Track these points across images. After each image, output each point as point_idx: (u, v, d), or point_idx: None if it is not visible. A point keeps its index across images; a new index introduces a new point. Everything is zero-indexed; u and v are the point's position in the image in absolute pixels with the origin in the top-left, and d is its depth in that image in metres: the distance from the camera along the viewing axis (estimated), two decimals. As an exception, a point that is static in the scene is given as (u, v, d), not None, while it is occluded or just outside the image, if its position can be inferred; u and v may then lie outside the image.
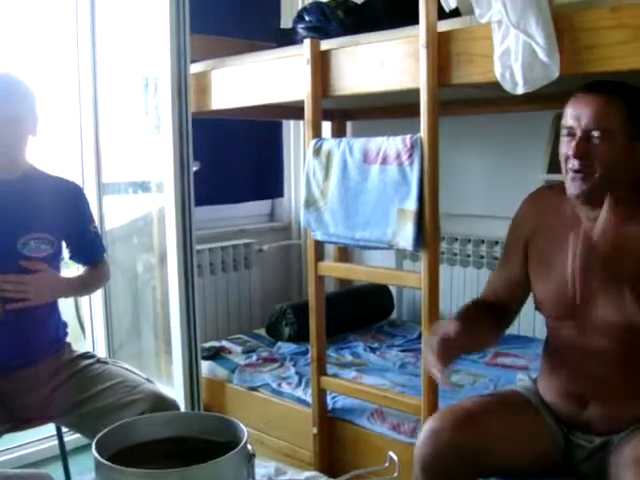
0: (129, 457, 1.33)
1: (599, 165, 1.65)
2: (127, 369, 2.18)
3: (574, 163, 1.68)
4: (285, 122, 4.06)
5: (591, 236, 1.78)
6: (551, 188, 2.01)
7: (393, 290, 3.74)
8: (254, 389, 2.98)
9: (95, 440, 1.29)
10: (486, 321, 1.91)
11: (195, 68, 2.90)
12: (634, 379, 1.76)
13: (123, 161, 3.23)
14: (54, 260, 2.13)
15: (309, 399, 2.70)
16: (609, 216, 1.74)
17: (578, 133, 1.65)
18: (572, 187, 1.71)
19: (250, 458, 1.28)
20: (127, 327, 3.29)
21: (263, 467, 1.58)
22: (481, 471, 1.86)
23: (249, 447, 1.28)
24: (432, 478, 1.79)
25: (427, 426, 1.83)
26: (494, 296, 2.01)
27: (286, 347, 3.31)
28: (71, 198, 2.21)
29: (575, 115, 1.67)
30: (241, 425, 1.34)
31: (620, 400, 1.77)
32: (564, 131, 1.73)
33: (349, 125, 3.79)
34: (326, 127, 3.65)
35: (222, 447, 1.29)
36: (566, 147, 1.71)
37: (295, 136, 4.06)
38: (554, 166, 1.84)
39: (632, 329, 1.72)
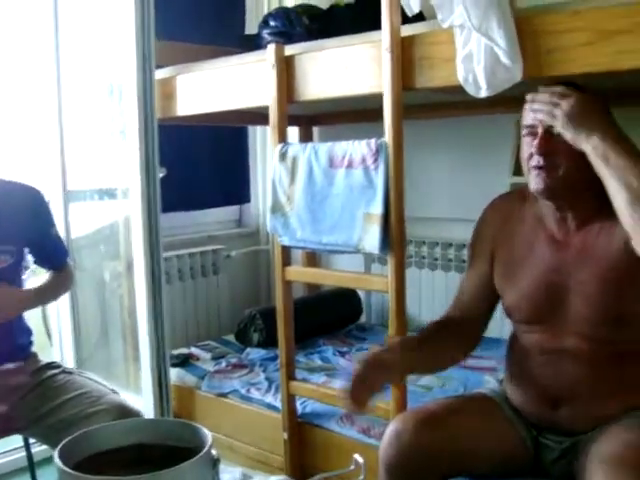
0: (93, 465, 1.31)
1: (562, 161, 1.65)
2: (92, 379, 2.16)
3: (538, 160, 1.67)
4: (251, 128, 4.05)
5: (557, 238, 1.79)
6: (510, 194, 2.02)
7: (361, 294, 3.75)
8: (223, 395, 2.96)
9: (57, 449, 1.28)
10: (440, 341, 1.92)
11: (160, 74, 2.88)
12: (604, 378, 1.76)
13: (89, 168, 3.20)
14: (15, 270, 2.10)
15: (279, 404, 2.69)
16: (573, 216, 1.75)
17: (540, 130, 1.66)
18: (536, 182, 1.70)
19: (215, 463, 1.27)
20: (95, 336, 3.26)
21: (229, 472, 1.58)
22: (448, 472, 1.86)
23: (213, 452, 1.28)
24: (396, 479, 1.79)
25: (391, 428, 1.83)
26: (459, 312, 1.98)
27: (255, 353, 3.30)
28: (31, 204, 2.17)
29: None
30: (205, 430, 1.33)
31: (590, 400, 1.77)
32: (525, 131, 1.73)
33: (316, 130, 3.80)
34: (293, 133, 3.66)
35: (187, 453, 1.28)
36: (528, 146, 1.71)
37: (262, 142, 4.05)
38: (520, 168, 1.86)
39: (601, 328, 1.73)
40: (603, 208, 1.56)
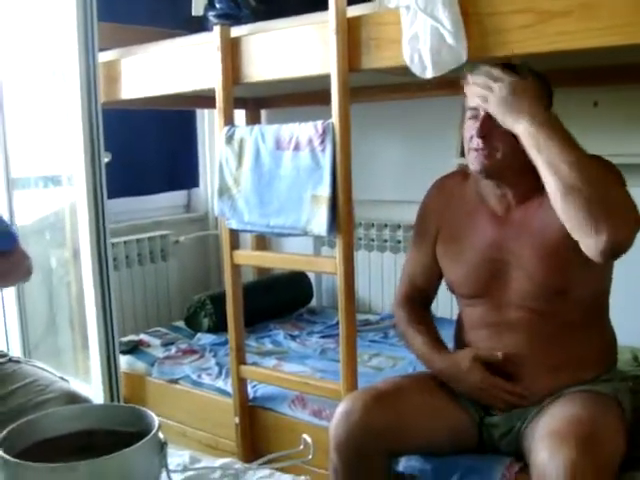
0: (38, 453, 1.29)
1: (501, 144, 1.69)
2: (41, 368, 2.12)
3: (478, 142, 1.72)
4: (199, 111, 4.01)
5: (497, 214, 1.83)
6: (452, 174, 2.07)
7: (312, 278, 3.75)
8: (174, 381, 2.94)
9: (0, 437, 1.26)
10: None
11: (104, 57, 2.83)
12: (548, 351, 1.81)
13: (33, 155, 3.14)
14: None
15: (230, 389, 2.68)
16: (513, 193, 1.79)
17: (482, 113, 1.69)
18: (474, 163, 1.75)
19: (162, 447, 1.26)
20: (43, 324, 3.21)
21: (177, 456, 1.56)
22: (397, 450, 1.89)
23: (160, 436, 1.26)
24: (346, 458, 1.80)
25: (340, 408, 1.85)
26: (418, 294, 2.09)
27: (206, 338, 3.28)
28: None
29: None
30: (152, 414, 1.32)
31: (537, 373, 1.81)
32: (468, 113, 1.77)
33: (263, 113, 3.77)
34: (241, 116, 3.63)
35: (134, 438, 1.26)
36: (470, 128, 1.75)
37: (210, 125, 4.01)
38: (465, 150, 1.92)
39: (543, 300, 1.77)
40: (542, 185, 1.58)
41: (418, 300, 2.09)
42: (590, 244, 1.51)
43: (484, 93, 1.66)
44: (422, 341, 1.99)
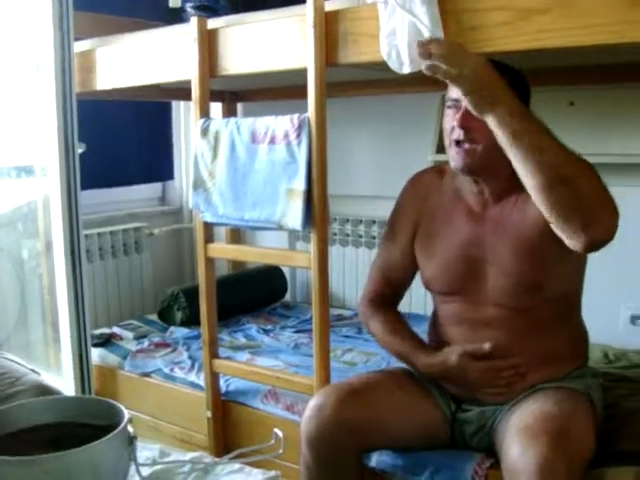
0: (7, 445, 1.28)
1: (482, 137, 1.68)
2: (11, 360, 2.10)
3: (459, 133, 1.70)
4: (175, 103, 3.98)
5: (474, 211, 1.83)
6: (429, 170, 2.07)
7: (287, 273, 3.74)
8: (147, 375, 2.92)
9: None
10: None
11: (80, 46, 2.80)
12: (524, 347, 1.81)
13: (5, 145, 3.10)
14: None
15: (202, 383, 2.67)
16: (490, 190, 1.79)
17: (463, 104, 1.67)
18: (456, 160, 1.74)
19: (131, 441, 1.25)
20: (14, 317, 3.18)
21: (148, 450, 1.55)
22: (369, 445, 1.89)
23: (130, 429, 1.25)
24: (317, 453, 1.80)
25: (311, 403, 1.85)
26: (389, 289, 2.08)
27: (179, 332, 3.26)
28: None
29: None
30: (122, 407, 1.30)
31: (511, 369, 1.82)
32: (449, 103, 1.75)
33: (240, 106, 3.75)
34: (217, 109, 3.61)
35: (104, 431, 1.25)
36: (451, 119, 1.74)
37: (185, 118, 3.98)
38: (442, 147, 1.90)
39: (518, 297, 1.77)
40: (519, 181, 1.56)
41: (389, 297, 2.09)
42: (574, 237, 1.50)
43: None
44: (401, 340, 1.98)
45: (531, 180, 1.50)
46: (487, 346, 1.80)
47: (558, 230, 1.53)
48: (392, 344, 2.01)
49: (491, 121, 1.51)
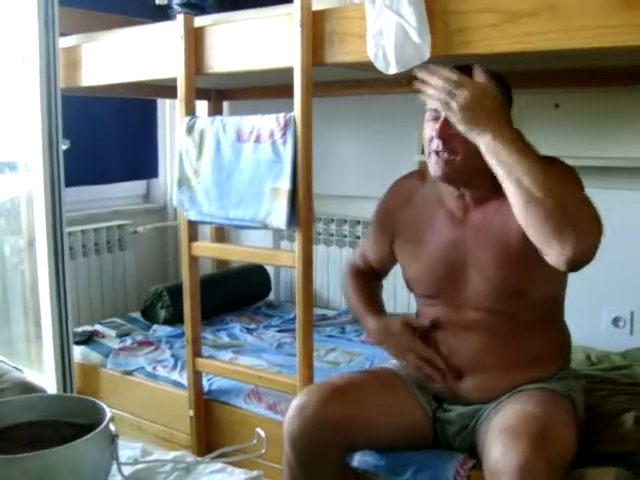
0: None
1: (461, 147, 1.69)
2: None
3: (438, 144, 1.71)
4: (160, 101, 3.97)
5: (455, 215, 1.84)
6: (411, 175, 2.08)
7: (271, 272, 3.74)
8: (129, 373, 2.91)
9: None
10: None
11: (65, 42, 2.78)
12: (504, 350, 1.82)
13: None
14: None
15: (185, 382, 2.66)
16: (471, 195, 1.80)
17: (442, 115, 1.68)
18: (435, 169, 1.76)
19: (113, 439, 1.24)
20: (-5, 314, 3.16)
21: (129, 449, 1.54)
22: (352, 445, 1.89)
23: (112, 428, 1.25)
24: (300, 453, 1.80)
25: (294, 402, 1.85)
26: (368, 267, 2.16)
27: (162, 330, 3.25)
28: None
29: None
30: (104, 406, 1.30)
31: (493, 371, 1.83)
32: (428, 114, 1.77)
33: (226, 105, 3.75)
34: (203, 107, 3.60)
35: (86, 429, 1.25)
36: (430, 129, 1.75)
37: (171, 115, 3.96)
38: (427, 147, 1.93)
39: (499, 301, 1.78)
40: (500, 187, 1.57)
41: (369, 273, 2.17)
42: (554, 255, 1.51)
43: (446, 100, 1.61)
44: (359, 300, 2.08)
45: (514, 198, 1.53)
46: (427, 322, 1.91)
47: (539, 247, 1.54)
48: (353, 303, 2.11)
49: (479, 144, 1.58)
